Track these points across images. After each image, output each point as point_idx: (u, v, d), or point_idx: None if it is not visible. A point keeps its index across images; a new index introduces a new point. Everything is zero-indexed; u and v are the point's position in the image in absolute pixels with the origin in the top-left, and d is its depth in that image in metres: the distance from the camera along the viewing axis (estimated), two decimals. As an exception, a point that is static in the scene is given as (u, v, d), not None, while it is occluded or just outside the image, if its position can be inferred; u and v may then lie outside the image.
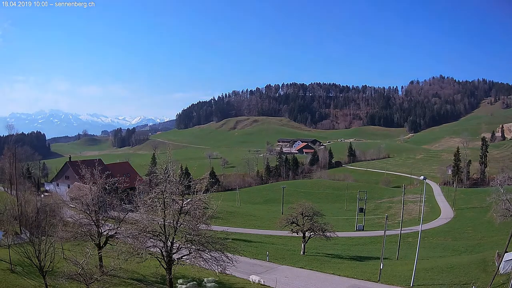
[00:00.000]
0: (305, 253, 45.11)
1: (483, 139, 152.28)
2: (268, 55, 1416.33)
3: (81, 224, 25.60)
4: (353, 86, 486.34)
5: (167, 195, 21.38)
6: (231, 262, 22.34)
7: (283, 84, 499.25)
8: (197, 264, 20.87)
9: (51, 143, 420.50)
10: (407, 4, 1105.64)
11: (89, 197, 25.79)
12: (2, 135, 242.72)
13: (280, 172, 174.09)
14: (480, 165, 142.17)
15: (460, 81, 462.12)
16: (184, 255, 21.79)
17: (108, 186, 26.69)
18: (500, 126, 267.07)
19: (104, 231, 26.37)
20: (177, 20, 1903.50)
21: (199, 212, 21.74)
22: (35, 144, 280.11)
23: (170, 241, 21.61)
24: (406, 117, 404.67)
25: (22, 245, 22.56)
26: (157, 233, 21.58)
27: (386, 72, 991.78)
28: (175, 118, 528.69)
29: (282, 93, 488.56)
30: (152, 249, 22.23)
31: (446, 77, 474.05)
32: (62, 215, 26.43)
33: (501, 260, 28.31)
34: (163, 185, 21.56)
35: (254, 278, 29.44)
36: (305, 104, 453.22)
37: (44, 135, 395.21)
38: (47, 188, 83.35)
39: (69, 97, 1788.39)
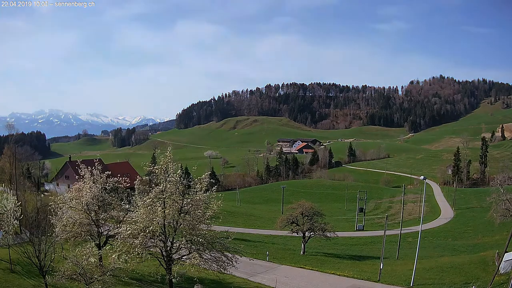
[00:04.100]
0: (305, 253, 45.12)
1: (483, 139, 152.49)
2: (268, 55, 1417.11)
3: (81, 224, 25.55)
4: (353, 86, 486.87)
5: (167, 195, 21.38)
6: (231, 262, 22.34)
7: (283, 84, 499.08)
8: (197, 264, 20.86)
9: (51, 143, 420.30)
10: (407, 3, 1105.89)
11: (89, 196, 25.75)
12: (2, 135, 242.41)
13: (280, 172, 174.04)
14: (480, 165, 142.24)
15: (460, 81, 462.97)
16: (184, 255, 21.80)
17: (108, 186, 26.68)
18: (500, 126, 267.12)
19: (104, 231, 26.35)
20: (177, 20, 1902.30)
21: (199, 212, 21.75)
22: (35, 144, 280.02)
23: (170, 241, 21.61)
24: (406, 117, 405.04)
25: (22, 245, 22.53)
26: (157, 233, 21.57)
27: (386, 72, 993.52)
28: (175, 118, 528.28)
29: (282, 93, 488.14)
30: (152, 249, 22.22)
31: (446, 77, 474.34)
32: (62, 215, 26.41)
33: (501, 260, 28.31)
34: (163, 185, 21.56)
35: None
36: (305, 104, 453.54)
37: (44, 135, 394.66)
38: (47, 188, 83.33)
39: (69, 97, 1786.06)
